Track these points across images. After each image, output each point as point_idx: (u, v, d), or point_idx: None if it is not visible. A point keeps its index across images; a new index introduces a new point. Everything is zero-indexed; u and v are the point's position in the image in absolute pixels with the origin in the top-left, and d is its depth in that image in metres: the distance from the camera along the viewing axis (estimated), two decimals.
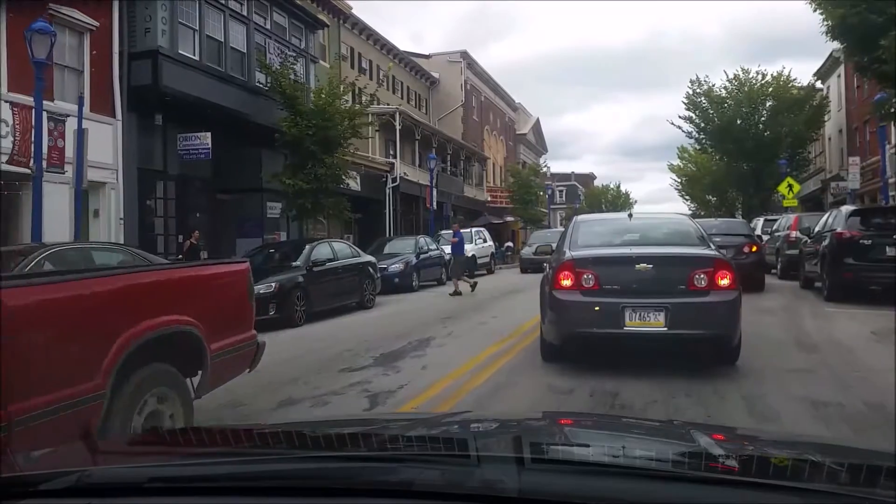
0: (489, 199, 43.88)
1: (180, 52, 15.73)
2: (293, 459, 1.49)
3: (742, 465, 1.55)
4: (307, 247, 12.71)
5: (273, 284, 10.98)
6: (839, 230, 12.06)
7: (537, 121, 64.83)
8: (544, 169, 53.24)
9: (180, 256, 15.85)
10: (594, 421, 2.78)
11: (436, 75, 42.66)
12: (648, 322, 6.23)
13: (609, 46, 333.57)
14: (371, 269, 14.39)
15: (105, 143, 14.39)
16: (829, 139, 41.20)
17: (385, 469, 1.38)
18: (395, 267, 17.57)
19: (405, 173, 29.75)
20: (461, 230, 26.63)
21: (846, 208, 12.77)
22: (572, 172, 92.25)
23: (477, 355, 8.07)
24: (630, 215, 8.28)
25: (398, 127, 29.20)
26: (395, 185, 28.68)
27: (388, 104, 30.61)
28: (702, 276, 6.28)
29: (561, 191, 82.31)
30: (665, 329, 6.18)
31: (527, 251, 26.83)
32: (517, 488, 1.20)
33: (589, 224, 8.33)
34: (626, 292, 6.34)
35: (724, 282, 6.28)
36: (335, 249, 13.46)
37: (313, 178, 16.91)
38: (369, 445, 1.69)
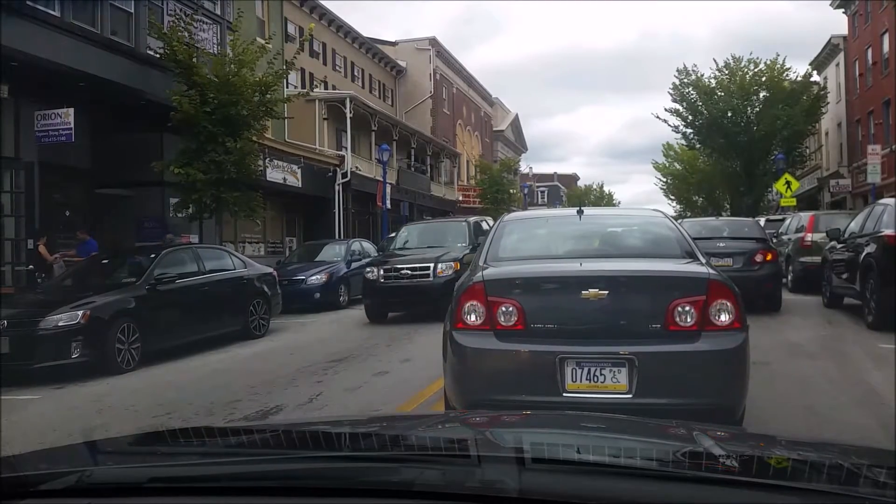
0: (461, 198, 40.51)
1: (30, 3, 12.22)
2: (293, 459, 1.48)
3: (742, 465, 1.52)
4: (152, 257, 9.13)
5: (79, 314, 7.51)
6: (890, 232, 8.80)
7: (516, 117, 61.61)
8: (522, 167, 50.15)
9: (31, 267, 12.33)
10: (594, 421, 2.32)
11: (403, 64, 39.33)
12: (602, 384, 4.00)
13: (598, 49, 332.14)
14: (265, 286, 10.83)
15: None
16: (827, 134, 38.17)
17: (385, 469, 1.38)
18: (316, 279, 14.07)
19: (358, 167, 26.30)
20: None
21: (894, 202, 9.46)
22: (555, 173, 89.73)
23: None
24: (580, 212, 5.41)
25: (349, 115, 25.73)
26: (345, 180, 25.24)
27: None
28: (688, 308, 4.05)
29: (543, 191, 79.82)
30: (629, 396, 3.99)
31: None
32: (517, 488, 1.20)
33: (519, 226, 5.51)
34: (567, 335, 4.15)
35: (724, 317, 4.06)
36: (204, 259, 9.90)
37: (213, 168, 13.45)
38: (369, 445, 1.70)
